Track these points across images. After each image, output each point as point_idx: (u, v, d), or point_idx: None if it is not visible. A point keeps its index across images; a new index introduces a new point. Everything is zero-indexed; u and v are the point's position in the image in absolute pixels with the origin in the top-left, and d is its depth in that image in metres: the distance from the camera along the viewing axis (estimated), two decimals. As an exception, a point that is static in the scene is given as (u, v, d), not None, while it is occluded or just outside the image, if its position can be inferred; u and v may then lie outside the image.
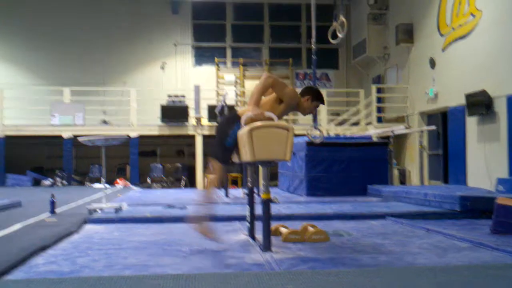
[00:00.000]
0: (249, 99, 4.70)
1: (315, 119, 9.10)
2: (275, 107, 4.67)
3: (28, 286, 3.15)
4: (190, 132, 15.46)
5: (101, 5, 18.25)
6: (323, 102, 4.93)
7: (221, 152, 4.74)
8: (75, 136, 13.81)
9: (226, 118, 4.96)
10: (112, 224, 6.25)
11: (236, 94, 18.38)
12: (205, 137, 15.33)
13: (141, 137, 15.36)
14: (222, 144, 4.69)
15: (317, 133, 8.87)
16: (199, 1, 18.26)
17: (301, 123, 16.26)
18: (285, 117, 17.19)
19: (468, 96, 11.21)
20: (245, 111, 4.69)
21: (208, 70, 18.95)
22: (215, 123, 13.79)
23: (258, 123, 4.28)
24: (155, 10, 18.58)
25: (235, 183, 15.21)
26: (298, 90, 4.95)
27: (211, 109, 14.83)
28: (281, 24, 19.39)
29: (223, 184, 8.87)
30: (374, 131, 14.01)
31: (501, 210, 5.25)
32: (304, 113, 4.97)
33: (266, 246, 4.32)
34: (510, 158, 10.01)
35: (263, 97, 4.71)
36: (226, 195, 9.71)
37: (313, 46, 8.79)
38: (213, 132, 14.96)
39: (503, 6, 10.50)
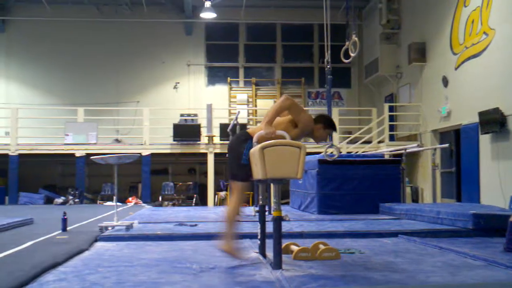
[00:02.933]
0: (264, 117, 4.71)
1: (330, 137, 9.09)
2: (289, 129, 4.67)
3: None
4: (202, 150, 15.52)
5: (115, 26, 18.47)
6: (335, 130, 4.96)
7: (240, 171, 4.71)
8: (88, 155, 13.93)
9: (236, 138, 4.96)
10: (123, 241, 6.26)
11: (248, 113, 18.44)
12: (216, 155, 15.37)
13: (153, 155, 15.44)
14: (239, 164, 4.68)
15: (333, 150, 8.86)
16: (212, 22, 18.44)
17: (312, 141, 16.21)
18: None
19: (481, 114, 11.14)
20: (256, 129, 4.72)
21: (220, 90, 19.06)
22: (227, 142, 13.83)
23: (270, 141, 4.29)
24: (169, 31, 18.79)
25: (246, 201, 15.17)
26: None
27: (223, 127, 14.87)
28: (293, 44, 19.48)
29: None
30: (386, 149, 13.94)
31: (515, 228, 5.17)
32: (317, 140, 5.00)
33: (277, 264, 4.29)
34: (524, 176, 9.91)
35: (278, 118, 4.72)
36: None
37: (328, 66, 8.81)
38: (225, 150, 14.98)
39: (515, 24, 10.48)
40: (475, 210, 6.99)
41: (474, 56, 11.93)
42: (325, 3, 9.20)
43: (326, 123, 4.86)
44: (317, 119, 4.88)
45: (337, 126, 15.46)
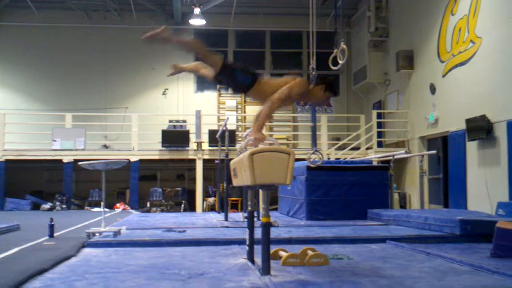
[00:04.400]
0: (254, 121, 4.73)
1: (315, 143, 9.14)
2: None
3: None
4: (191, 156, 15.49)
5: (104, 32, 18.43)
6: (335, 93, 4.95)
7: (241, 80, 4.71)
8: (76, 161, 13.85)
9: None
10: (111, 247, 6.22)
11: (237, 120, 18.45)
12: (205, 162, 15.35)
13: (142, 161, 15.39)
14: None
15: (317, 157, 8.89)
16: (201, 29, 18.45)
17: (301, 147, 16.28)
18: (285, 141, 17.32)
19: (468, 121, 11.24)
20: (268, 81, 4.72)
21: (209, 96, 19.06)
22: (215, 148, 13.82)
23: (259, 147, 4.30)
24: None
25: (235, 207, 15.16)
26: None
27: (212, 134, 14.87)
28: (282, 51, 19.54)
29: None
30: (374, 156, 14.01)
31: (502, 234, 5.22)
32: (316, 102, 4.99)
33: (265, 270, 4.28)
34: (510, 182, 9.97)
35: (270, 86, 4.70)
36: (226, 218, 9.67)
37: (314, 73, 8.86)
38: (213, 157, 14.95)
39: (502, 33, 10.59)
40: (462, 216, 7.04)
41: (461, 64, 12.04)
42: (311, 11, 9.25)
43: (327, 86, 4.79)
44: (319, 81, 4.85)
45: (326, 132, 15.63)
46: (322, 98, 4.84)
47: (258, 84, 4.68)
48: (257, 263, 4.72)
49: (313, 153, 8.79)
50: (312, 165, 9.07)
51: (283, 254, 5.04)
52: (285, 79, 4.72)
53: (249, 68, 4.74)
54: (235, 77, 4.65)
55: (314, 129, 9.31)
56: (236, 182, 5.26)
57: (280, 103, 4.60)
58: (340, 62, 9.00)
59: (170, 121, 16.27)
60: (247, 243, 5.00)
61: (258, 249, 4.55)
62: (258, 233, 4.52)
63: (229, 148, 10.26)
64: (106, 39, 18.57)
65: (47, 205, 14.83)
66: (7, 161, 15.01)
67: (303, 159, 10.38)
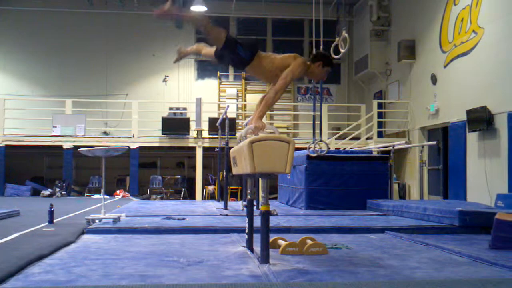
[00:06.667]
0: (255, 110, 4.74)
1: (317, 133, 9.15)
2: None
3: (24, 294, 3.14)
4: (191, 144, 15.49)
5: (106, 18, 18.34)
6: (333, 66, 5.00)
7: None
8: (76, 147, 13.84)
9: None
10: (110, 234, 6.25)
11: (238, 108, 18.43)
12: (205, 149, 15.36)
13: (142, 148, 15.39)
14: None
15: (321, 146, 8.92)
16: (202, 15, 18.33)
17: (302, 137, 16.28)
18: (285, 130, 17.32)
19: (469, 112, 11.22)
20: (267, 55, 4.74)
21: (210, 84, 19.00)
22: (215, 136, 13.82)
23: (259, 136, 4.30)
24: (159, 24, 18.65)
25: (234, 195, 15.19)
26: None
27: (212, 121, 14.86)
28: (284, 39, 19.45)
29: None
30: (374, 146, 14.01)
31: (501, 225, 5.24)
32: (316, 79, 5.05)
33: (264, 258, 4.30)
34: (510, 174, 9.98)
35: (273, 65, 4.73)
36: (225, 207, 9.69)
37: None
38: (213, 145, 14.97)
39: (505, 24, 10.54)
40: (461, 208, 7.05)
41: (463, 54, 11.99)
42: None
43: (325, 61, 4.85)
44: (316, 57, 4.89)
45: (326, 122, 15.63)
46: (322, 74, 4.88)
47: (258, 58, 4.70)
48: (256, 252, 4.73)
49: (318, 142, 8.81)
50: (317, 154, 9.09)
51: (282, 243, 5.05)
52: (285, 56, 4.78)
53: (250, 42, 4.78)
54: (237, 51, 4.65)
55: (319, 119, 9.33)
56: (235, 171, 5.26)
57: (284, 90, 4.63)
58: (342, 50, 8.99)
59: (171, 109, 16.25)
60: (246, 231, 5.01)
61: (257, 237, 4.56)
62: (257, 222, 4.53)
63: (229, 136, 10.26)
64: (107, 25, 18.49)
65: (47, 191, 14.86)
66: (7, 146, 15.01)
67: (304, 148, 10.38)
